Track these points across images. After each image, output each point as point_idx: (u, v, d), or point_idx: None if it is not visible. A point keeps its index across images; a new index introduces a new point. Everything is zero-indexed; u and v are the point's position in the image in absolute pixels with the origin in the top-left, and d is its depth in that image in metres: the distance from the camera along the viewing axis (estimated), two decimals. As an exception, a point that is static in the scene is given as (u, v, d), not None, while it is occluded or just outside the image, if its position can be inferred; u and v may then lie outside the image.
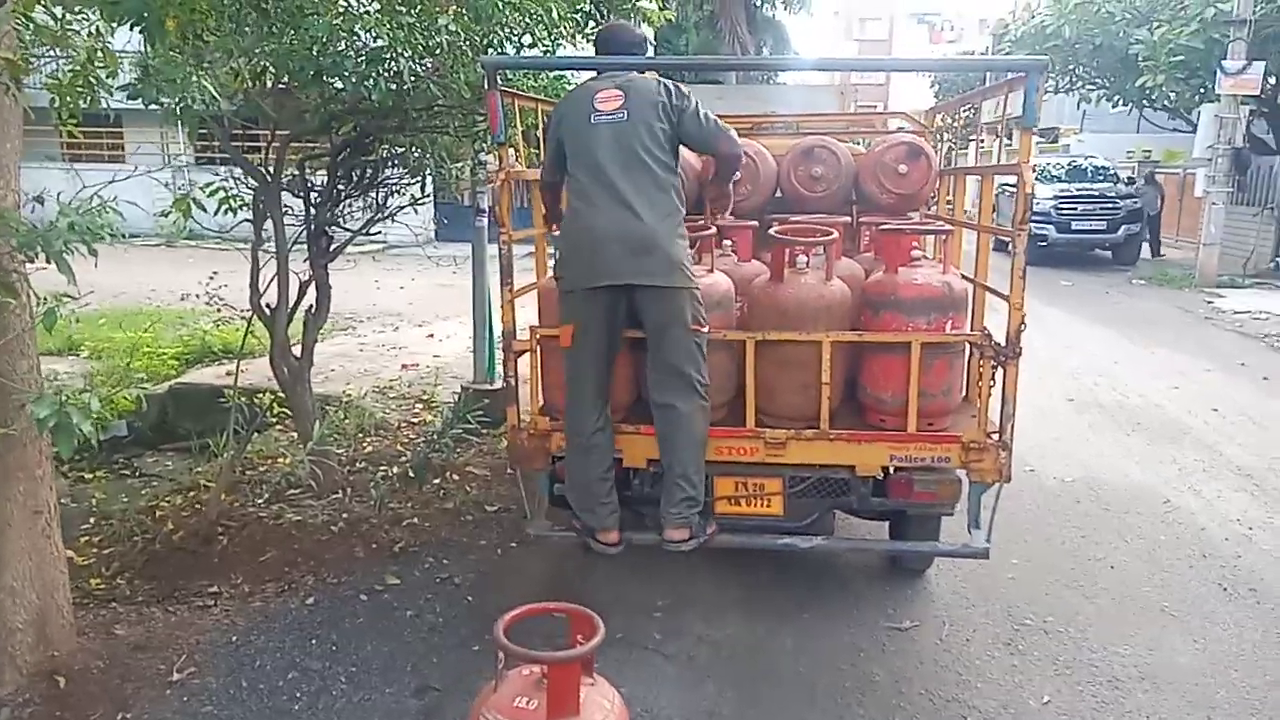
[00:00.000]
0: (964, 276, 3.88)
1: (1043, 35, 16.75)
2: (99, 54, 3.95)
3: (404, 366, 7.61)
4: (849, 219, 4.15)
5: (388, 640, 3.54)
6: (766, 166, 4.49)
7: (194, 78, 3.83)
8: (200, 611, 3.68)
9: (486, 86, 3.31)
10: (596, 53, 3.51)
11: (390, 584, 3.98)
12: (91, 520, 4.88)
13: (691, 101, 3.26)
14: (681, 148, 3.33)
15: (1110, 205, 16.70)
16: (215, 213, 4.85)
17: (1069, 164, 18.78)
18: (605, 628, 2.31)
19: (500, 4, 3.87)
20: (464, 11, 3.89)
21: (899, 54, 55.74)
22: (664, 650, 3.53)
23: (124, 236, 2.77)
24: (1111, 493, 5.33)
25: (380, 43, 3.69)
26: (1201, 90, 15.49)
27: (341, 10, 4.00)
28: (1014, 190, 13.11)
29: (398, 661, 3.40)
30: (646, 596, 3.90)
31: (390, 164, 4.88)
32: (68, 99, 4.09)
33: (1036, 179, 13.84)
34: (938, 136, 5.29)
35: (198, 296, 5.90)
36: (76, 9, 3.90)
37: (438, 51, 4.06)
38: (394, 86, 4.05)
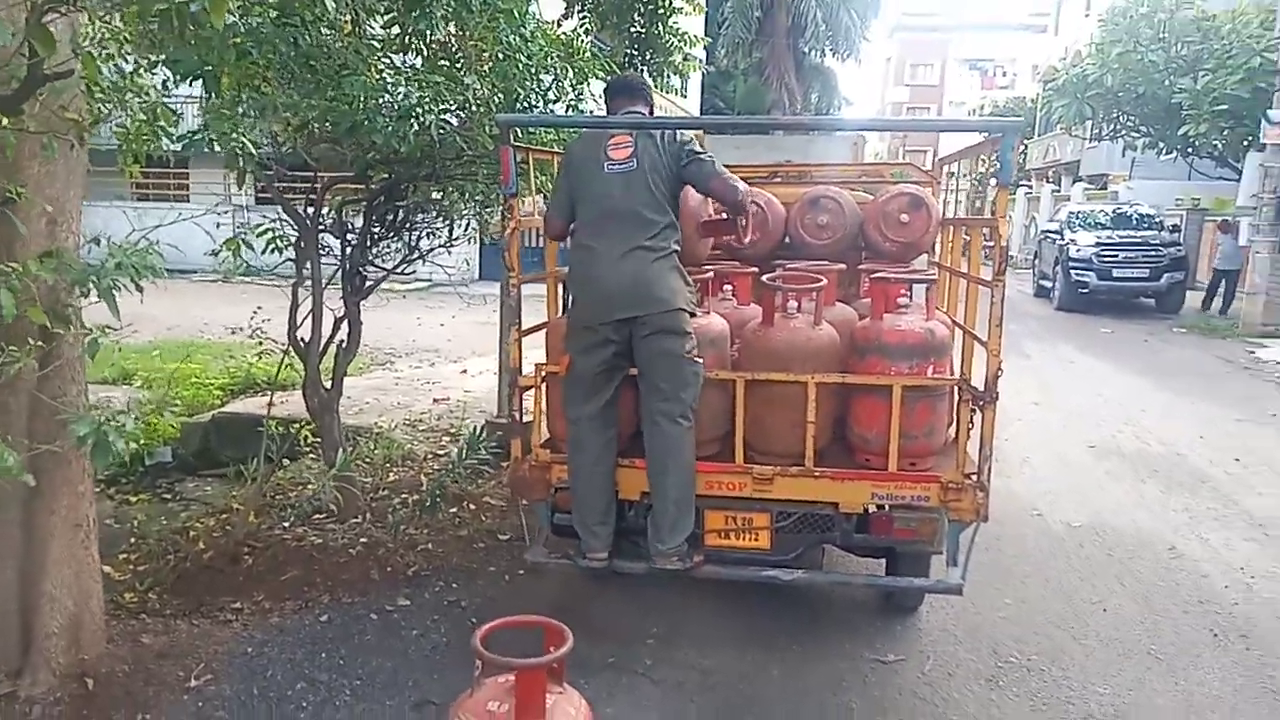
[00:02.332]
0: (955, 322, 4.04)
1: (1085, 84, 16.83)
2: (159, 109, 4.36)
3: (435, 400, 7.90)
4: (845, 266, 4.32)
5: (393, 657, 3.76)
6: (775, 214, 4.70)
7: (241, 129, 4.20)
8: (222, 625, 3.94)
9: (500, 142, 3.60)
10: (606, 98, 3.80)
11: (401, 605, 4.20)
12: (132, 540, 5.20)
13: (692, 145, 3.53)
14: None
15: (1153, 253, 16.58)
16: (263, 252, 5.23)
17: (1113, 211, 18.71)
18: (576, 639, 2.49)
19: (522, 66, 4.17)
20: (490, 71, 4.19)
21: (950, 99, 55.95)
22: (653, 676, 3.69)
23: (165, 274, 3.05)
24: (1117, 538, 5.37)
25: (410, 100, 3.99)
26: (1248, 139, 15.40)
27: (379, 70, 4.35)
28: (1056, 236, 13.37)
29: (401, 677, 3.61)
30: (641, 625, 4.06)
31: (422, 209, 5.19)
32: (133, 145, 4.50)
33: (1079, 226, 13.98)
34: (945, 187, 5.45)
35: (244, 330, 6.25)
36: (144, 66, 4.31)
37: (466, 107, 4.39)
38: (425, 139, 4.39)
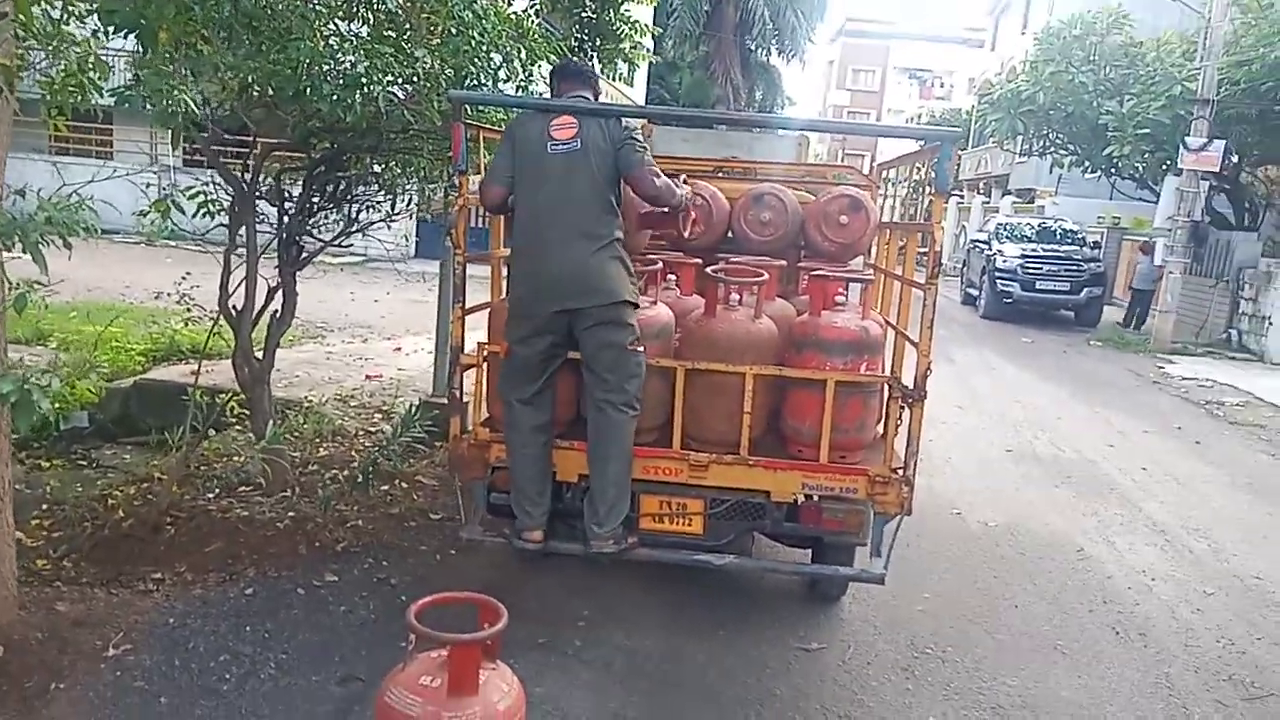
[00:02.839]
0: (888, 323, 4.16)
1: (1018, 100, 17.34)
2: (91, 60, 4.21)
3: (367, 377, 7.80)
4: (785, 262, 4.41)
5: (319, 632, 3.72)
6: (719, 208, 4.76)
7: (178, 88, 4.08)
8: (142, 595, 3.84)
9: (451, 118, 3.58)
10: (551, 81, 3.80)
11: (329, 580, 4.16)
12: (45, 506, 5.03)
13: (635, 135, 3.53)
14: None
15: (1075, 267, 17.20)
16: (194, 215, 5.08)
17: (1039, 225, 19.35)
18: (509, 619, 2.51)
19: (474, 42, 4.14)
20: (440, 46, 4.15)
21: (889, 106, 57.05)
22: (582, 657, 3.73)
23: (99, 232, 2.97)
24: (1030, 539, 5.60)
25: (358, 70, 3.93)
26: (1167, 163, 16.07)
27: (326, 36, 4.27)
28: (984, 246, 13.66)
29: (327, 652, 3.58)
30: (573, 607, 4.10)
31: (364, 181, 5.12)
32: (59, 97, 4.33)
33: (1006, 238, 14.33)
34: (884, 190, 5.58)
35: (170, 295, 6.08)
36: (74, 14, 4.15)
37: (414, 80, 4.34)
38: (371, 110, 4.32)
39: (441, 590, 3.99)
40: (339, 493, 4.80)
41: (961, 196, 35.64)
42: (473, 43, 4.12)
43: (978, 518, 5.92)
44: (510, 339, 3.55)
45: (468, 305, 3.80)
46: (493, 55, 4.34)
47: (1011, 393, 10.27)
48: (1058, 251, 17.52)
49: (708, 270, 3.84)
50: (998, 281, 17.34)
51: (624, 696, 3.48)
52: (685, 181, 4.22)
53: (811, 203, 4.87)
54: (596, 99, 3.78)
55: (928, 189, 4.10)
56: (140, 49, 4.25)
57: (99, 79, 4.23)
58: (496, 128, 4.28)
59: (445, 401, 6.07)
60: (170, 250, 10.97)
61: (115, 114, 18.08)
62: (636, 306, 3.55)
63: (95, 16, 4.14)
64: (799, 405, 3.68)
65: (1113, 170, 17.80)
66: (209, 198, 4.92)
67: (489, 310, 4.00)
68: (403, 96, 4.36)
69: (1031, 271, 17.07)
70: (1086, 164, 18.20)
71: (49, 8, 3.97)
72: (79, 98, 4.37)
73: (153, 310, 9.16)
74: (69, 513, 4.68)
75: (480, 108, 4.56)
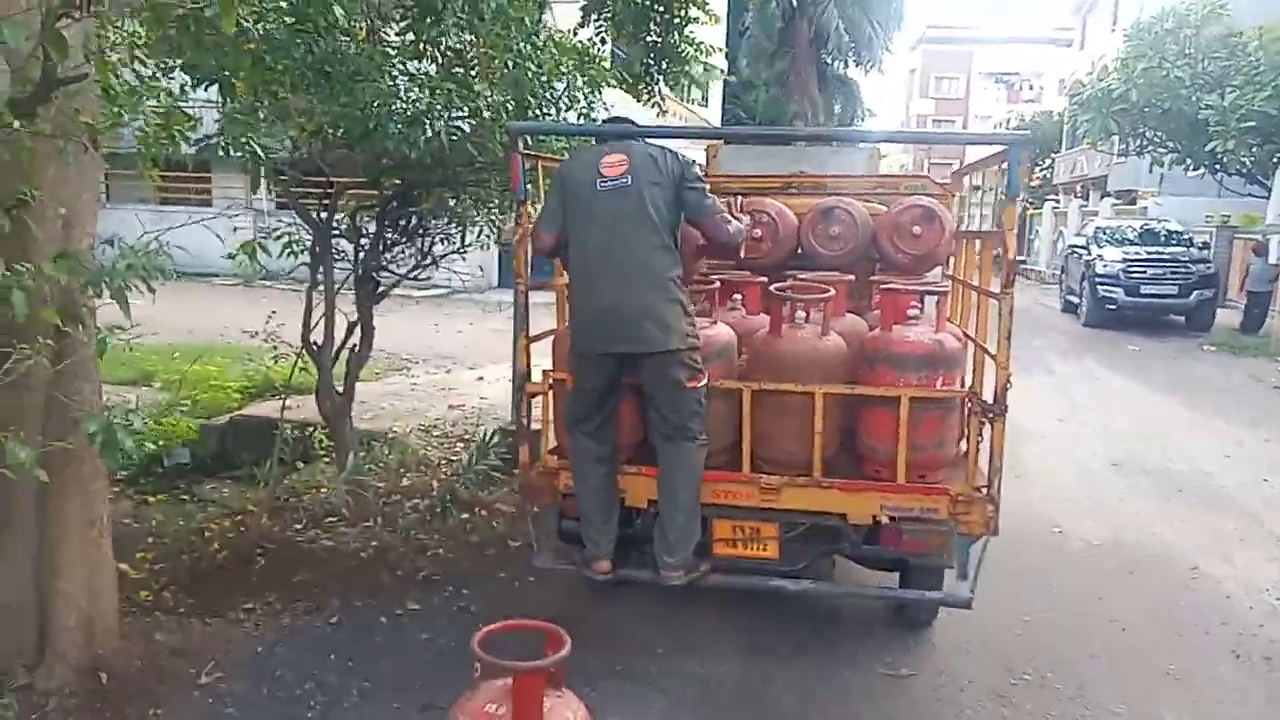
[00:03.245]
0: (966, 334, 4.01)
1: (1110, 99, 16.69)
2: (177, 113, 4.43)
3: (450, 406, 7.93)
4: (854, 277, 4.29)
5: (401, 660, 3.76)
6: (786, 224, 4.68)
7: (256, 134, 4.26)
8: (234, 625, 3.97)
9: (509, 149, 3.62)
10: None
11: (410, 609, 4.21)
12: (150, 539, 5.26)
13: (692, 173, 3.45)
14: None
15: (1182, 269, 16.35)
16: (279, 256, 5.29)
17: (1141, 226, 18.50)
18: (583, 647, 2.48)
19: (531, 74, 4.19)
20: (500, 79, 4.22)
21: (975, 113, 55.71)
22: (658, 685, 3.68)
23: (177, 276, 3.08)
24: (1138, 556, 5.29)
25: (420, 106, 4.02)
26: (1277, 156, 15.20)
27: (394, 76, 4.39)
28: (1083, 251, 13.17)
29: (408, 679, 3.62)
30: (648, 635, 4.05)
31: (434, 215, 5.23)
32: (151, 149, 4.57)
33: (1107, 241, 13.77)
34: (967, 200, 5.41)
35: (258, 334, 6.31)
36: (161, 70, 4.38)
37: (477, 114, 4.42)
38: (435, 145, 4.42)
39: (517, 617, 4.02)
40: (420, 522, 4.87)
41: (1057, 201, 34.43)
42: (529, 74, 4.17)
43: (1080, 534, 5.63)
44: (571, 366, 3.55)
45: (535, 333, 3.82)
46: (554, 84, 4.38)
47: (1116, 402, 9.79)
48: (1163, 254, 16.69)
49: (771, 288, 3.77)
50: (1099, 287, 16.60)
51: (700, 726, 3.41)
52: (744, 205, 4.17)
53: (883, 215, 4.75)
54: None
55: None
56: (222, 99, 4.45)
57: (184, 130, 4.45)
58: (558, 156, 4.32)
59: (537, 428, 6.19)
60: (265, 290, 11.49)
61: (212, 163, 19.15)
62: (696, 348, 3.43)
63: (181, 71, 4.38)
64: (873, 423, 3.56)
65: (1217, 166, 16.93)
66: (292, 238, 5.12)
67: (554, 338, 4.00)
68: (467, 130, 4.45)
69: (1135, 276, 16.29)
70: (1188, 161, 17.35)
71: (140, 66, 4.21)
72: (169, 149, 4.62)
73: (248, 348, 9.54)
74: (169, 546, 4.88)
75: (542, 137, 4.61)
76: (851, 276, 4.22)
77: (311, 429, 6.19)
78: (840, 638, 4.13)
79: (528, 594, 4.46)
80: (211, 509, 5.78)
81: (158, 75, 4.32)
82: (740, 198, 4.20)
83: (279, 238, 5.20)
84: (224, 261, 5.29)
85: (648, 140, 3.56)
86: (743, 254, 3.94)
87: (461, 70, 4.54)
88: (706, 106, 27.36)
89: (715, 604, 4.21)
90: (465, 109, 4.24)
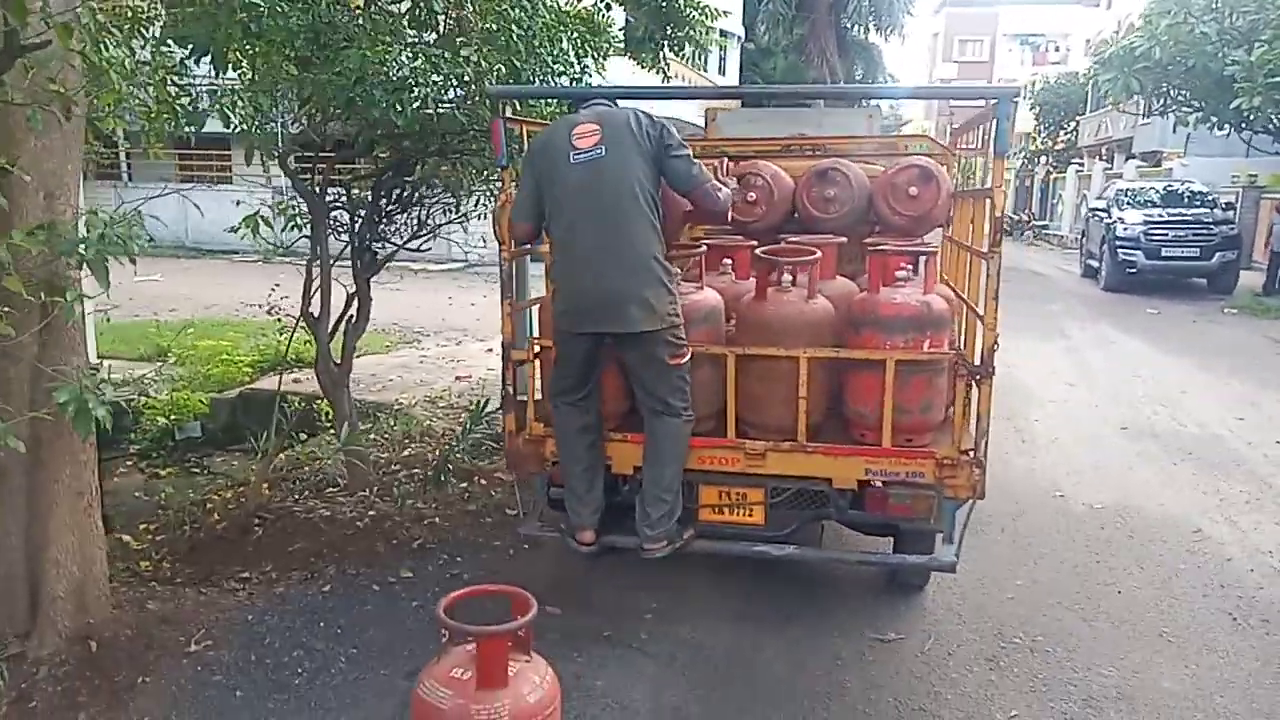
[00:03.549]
0: (959, 296, 3.95)
1: (1132, 57, 16.27)
2: (169, 83, 4.42)
3: (457, 378, 7.96)
4: (846, 239, 4.23)
5: (391, 628, 3.80)
6: (782, 188, 4.61)
7: (245, 105, 4.25)
8: (228, 594, 4.01)
9: (492, 114, 3.58)
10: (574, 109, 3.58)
11: (404, 577, 4.25)
12: (159, 511, 5.34)
13: (673, 138, 3.35)
14: None
15: (1205, 231, 16.04)
16: (283, 230, 5.30)
17: (1163, 188, 18.15)
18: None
19: (515, 37, 4.13)
20: (485, 43, 4.17)
21: (1000, 76, 54.63)
22: (647, 650, 3.69)
23: (146, 249, 3.08)
24: (1140, 520, 5.23)
25: (404, 72, 3.98)
26: (1306, 113, 14.80)
27: (385, 42, 4.34)
28: (1103, 215, 12.96)
29: (396, 647, 3.65)
30: (641, 600, 4.05)
31: (428, 184, 5.20)
32: (155, 125, 4.58)
33: (1127, 204, 13.53)
34: (960, 160, 5.31)
35: (260, 307, 6.35)
36: (155, 44, 4.37)
37: (464, 80, 4.38)
38: (427, 113, 4.38)
39: (511, 584, 4.05)
40: (416, 491, 4.90)
41: (1081, 164, 33.81)
42: (515, 38, 4.11)
43: (1083, 499, 5.57)
44: (554, 338, 3.53)
45: (530, 299, 3.80)
46: (539, 49, 4.33)
47: (1130, 367, 9.65)
48: (1185, 215, 16.37)
49: (756, 251, 3.72)
50: (1119, 251, 16.34)
51: (686, 690, 3.42)
52: (730, 169, 4.10)
53: (879, 175, 4.68)
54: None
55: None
56: (215, 71, 4.43)
57: (176, 104, 4.45)
58: (545, 121, 4.27)
59: (539, 398, 6.19)
60: (284, 266, 11.59)
61: (231, 139, 19.22)
62: (678, 325, 3.37)
63: (175, 44, 4.36)
64: (859, 387, 3.52)
65: (1244, 125, 16.50)
66: (295, 212, 5.12)
67: (539, 305, 3.98)
68: (455, 98, 4.41)
69: (1156, 238, 16.02)
70: (1213, 120, 16.92)
71: (137, 44, 4.21)
72: (172, 125, 4.62)
73: (261, 323, 9.61)
74: (170, 517, 4.95)
75: (533, 102, 4.57)
76: (843, 239, 4.16)
77: (319, 401, 6.24)
78: (832, 604, 4.12)
79: (522, 561, 4.48)
80: (216, 480, 5.87)
81: (157, 50, 4.31)
82: (727, 160, 4.12)
83: (283, 210, 5.21)
84: (247, 239, 5.31)
85: (620, 101, 3.49)
86: (731, 218, 3.89)
87: (450, 35, 4.49)
88: (724, 75, 27.02)
89: (708, 570, 4.21)
90: (451, 74, 4.19)
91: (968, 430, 3.45)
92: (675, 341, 3.35)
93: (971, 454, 3.39)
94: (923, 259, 3.70)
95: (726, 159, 4.15)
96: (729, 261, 4.14)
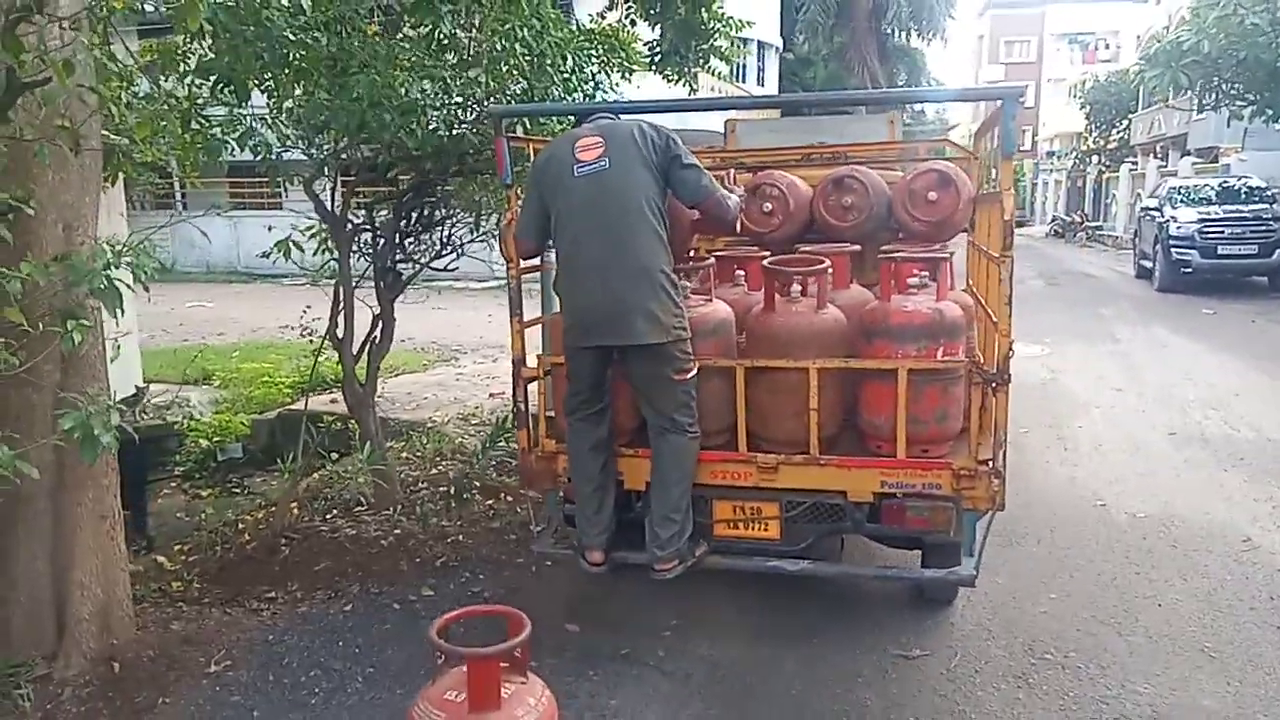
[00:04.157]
0: (978, 301, 3.86)
1: (1179, 52, 15.86)
2: (195, 115, 4.53)
3: (491, 395, 8.01)
4: (861, 247, 4.16)
5: (409, 646, 3.80)
6: (799, 197, 4.56)
7: (260, 132, 4.34)
8: (252, 614, 4.07)
9: (495, 133, 3.60)
10: (577, 122, 3.57)
11: (425, 595, 4.26)
12: (197, 532, 5.45)
13: (680, 149, 3.33)
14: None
15: (1263, 227, 15.51)
16: (314, 253, 5.40)
17: (1218, 185, 17.61)
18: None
19: (523, 57, 4.15)
20: (490, 62, 4.20)
21: (1048, 76, 53.66)
22: (663, 668, 3.64)
23: (155, 276, 3.14)
24: (1185, 530, 5.03)
25: (413, 95, 4.03)
26: (1366, 101, 14.28)
27: (401, 68, 4.40)
28: (1155, 214, 12.65)
29: (413, 666, 3.64)
30: (660, 617, 4.00)
31: (445, 204, 5.25)
32: (187, 156, 4.70)
33: (1181, 202, 13.21)
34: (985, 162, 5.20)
35: (293, 329, 6.46)
36: (186, 80, 4.48)
37: (476, 100, 4.41)
38: (439, 134, 4.43)
39: (532, 603, 4.03)
40: (439, 509, 4.92)
41: (1135, 163, 32.98)
42: (521, 57, 4.13)
43: (1125, 508, 5.39)
44: (564, 353, 3.51)
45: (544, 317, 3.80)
46: (548, 68, 4.34)
47: (1182, 370, 9.33)
48: (1242, 212, 15.83)
49: (764, 262, 3.67)
50: (1173, 250, 15.88)
51: (701, 709, 3.36)
52: (735, 177, 4.07)
53: (897, 181, 4.60)
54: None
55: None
56: (236, 101, 4.53)
57: (222, 135, 4.55)
58: (550, 139, 4.27)
59: (550, 415, 6.19)
60: (329, 288, 11.82)
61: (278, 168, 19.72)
62: (685, 339, 3.33)
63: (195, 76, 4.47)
64: (873, 398, 3.45)
65: (1302, 116, 16.01)
66: (325, 235, 5.22)
67: (551, 322, 3.98)
68: (468, 119, 4.45)
69: (1212, 236, 15.53)
70: (1267, 113, 16.40)
71: (163, 77, 4.33)
72: (204, 156, 4.74)
73: (303, 345, 9.80)
74: (204, 538, 5.03)
75: (543, 121, 4.58)
76: (857, 247, 4.09)
77: (353, 420, 6.32)
78: (856, 620, 4.03)
79: (543, 579, 4.47)
80: (248, 500, 5.97)
81: (180, 83, 4.43)
82: (733, 171, 4.09)
83: (313, 235, 5.31)
84: (296, 265, 5.39)
85: (623, 115, 3.48)
86: (745, 228, 3.85)
87: (467, 60, 4.53)
88: (763, 85, 26.95)
89: (728, 586, 4.15)
90: (461, 95, 4.23)
91: (986, 440, 3.35)
92: (681, 356, 3.32)
93: (990, 464, 3.29)
94: (938, 265, 3.61)
95: (733, 169, 4.11)
96: (741, 273, 4.10)
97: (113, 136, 3.71)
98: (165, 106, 4.30)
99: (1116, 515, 5.29)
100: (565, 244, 3.37)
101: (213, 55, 4.21)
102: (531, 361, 3.79)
